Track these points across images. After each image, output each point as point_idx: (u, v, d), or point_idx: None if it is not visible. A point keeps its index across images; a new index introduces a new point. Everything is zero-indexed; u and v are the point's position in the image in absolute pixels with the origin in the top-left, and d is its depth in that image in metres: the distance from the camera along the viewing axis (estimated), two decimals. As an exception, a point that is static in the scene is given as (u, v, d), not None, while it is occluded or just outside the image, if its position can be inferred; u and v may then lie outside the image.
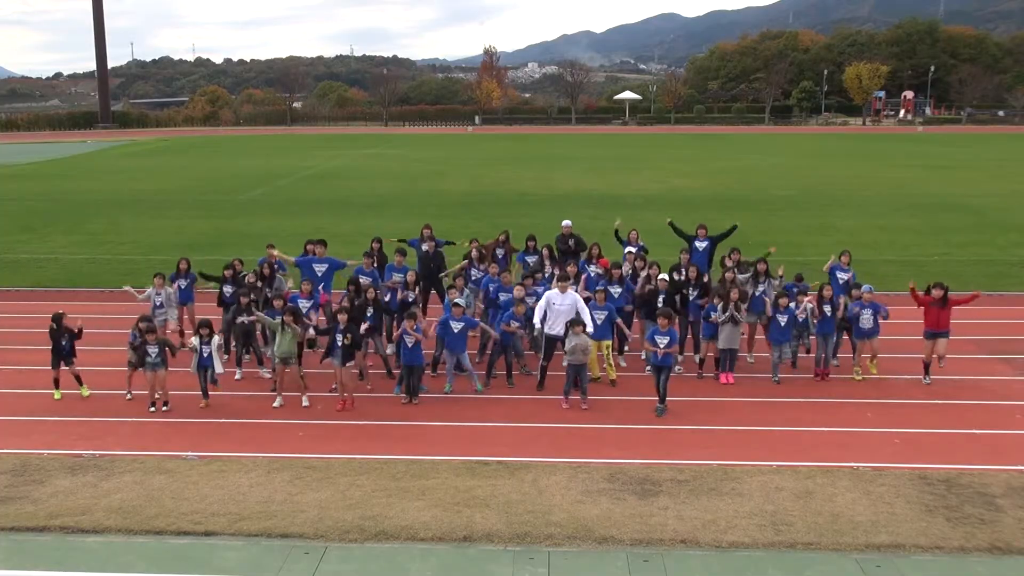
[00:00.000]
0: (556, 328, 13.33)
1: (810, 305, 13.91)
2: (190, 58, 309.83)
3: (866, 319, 13.73)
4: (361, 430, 12.15)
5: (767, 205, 35.37)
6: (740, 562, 8.69)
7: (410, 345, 12.91)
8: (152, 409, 12.73)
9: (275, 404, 12.99)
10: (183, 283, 15.73)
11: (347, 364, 12.84)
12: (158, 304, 14.98)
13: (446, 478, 10.35)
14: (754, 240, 26.83)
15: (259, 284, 15.36)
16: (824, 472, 10.61)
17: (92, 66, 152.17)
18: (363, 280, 14.92)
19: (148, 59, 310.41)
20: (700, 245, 17.25)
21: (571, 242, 17.17)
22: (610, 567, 8.58)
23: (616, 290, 14.55)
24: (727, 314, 13.69)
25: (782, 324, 13.80)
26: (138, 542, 9.17)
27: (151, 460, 11.05)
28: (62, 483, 10.40)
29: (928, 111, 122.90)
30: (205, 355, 12.93)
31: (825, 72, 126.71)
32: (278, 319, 13.12)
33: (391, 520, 9.42)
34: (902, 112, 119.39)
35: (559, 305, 13.37)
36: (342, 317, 12.84)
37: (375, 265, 15.78)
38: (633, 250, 16.64)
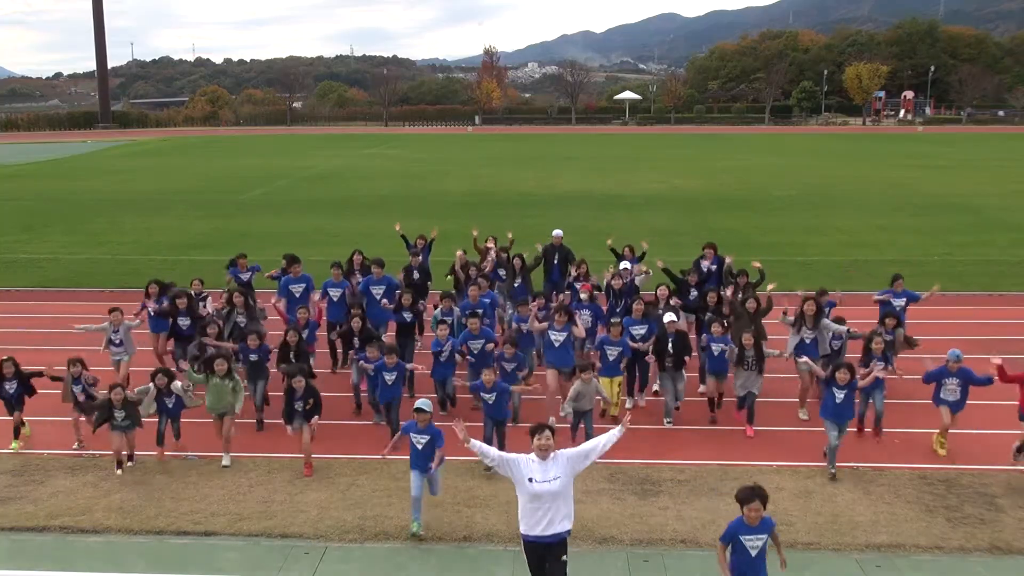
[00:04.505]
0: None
1: (880, 375, 11.40)
2: (190, 58, 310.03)
3: (951, 388, 11.26)
4: (361, 430, 12.15)
5: (767, 205, 35.38)
6: (740, 562, 8.68)
7: (389, 383, 11.54)
8: (119, 472, 10.69)
9: (224, 464, 10.98)
10: (153, 309, 13.83)
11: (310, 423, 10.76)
12: (116, 342, 12.94)
13: (446, 478, 10.33)
14: (755, 240, 26.88)
15: (226, 309, 13.52)
16: (824, 472, 10.61)
17: (92, 66, 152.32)
18: (332, 292, 14.17)
19: (148, 59, 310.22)
20: (709, 266, 15.07)
21: (556, 258, 15.95)
22: (610, 567, 8.59)
23: (640, 330, 12.60)
24: (745, 364, 11.81)
25: (838, 400, 10.58)
26: (138, 542, 9.18)
27: (151, 460, 11.05)
28: (62, 483, 10.40)
29: (928, 111, 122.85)
30: (171, 406, 11.11)
31: (825, 72, 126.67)
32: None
33: (391, 520, 9.42)
34: (902, 112, 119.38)
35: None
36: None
37: (345, 277, 14.63)
38: (629, 266, 15.14)
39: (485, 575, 8.51)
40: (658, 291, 13.47)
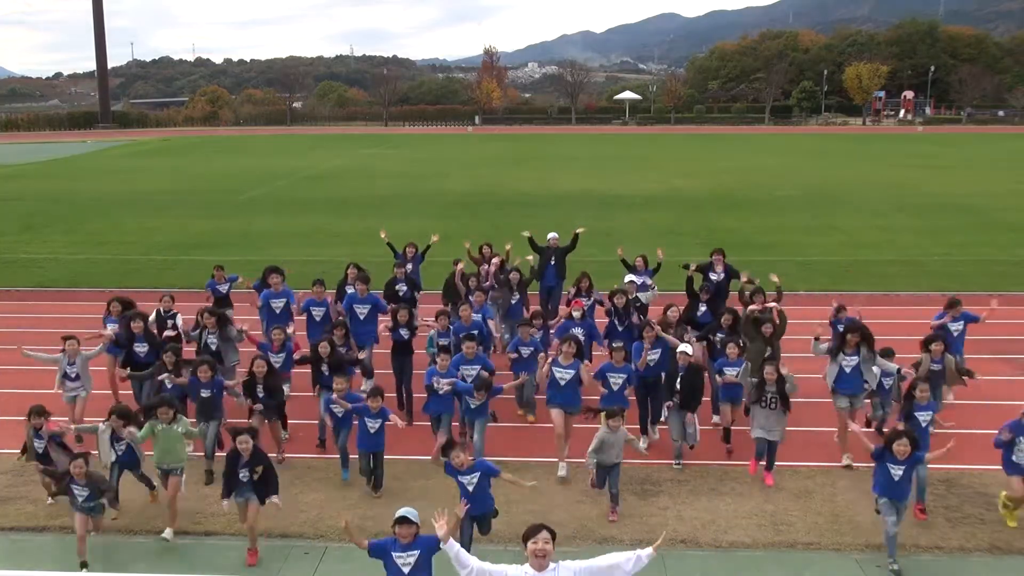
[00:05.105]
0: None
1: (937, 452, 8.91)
2: (190, 58, 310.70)
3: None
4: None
5: (767, 205, 35.36)
6: (740, 562, 8.69)
7: (372, 431, 9.91)
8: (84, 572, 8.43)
9: (164, 535, 9.18)
10: (114, 328, 12.33)
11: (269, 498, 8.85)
12: (71, 376, 11.32)
13: (446, 478, 10.30)
14: (755, 240, 26.87)
15: (196, 330, 12.15)
16: (824, 472, 10.62)
17: (92, 66, 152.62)
18: (315, 311, 13.07)
19: (148, 59, 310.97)
20: (717, 278, 13.72)
21: (552, 259, 15.39)
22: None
23: (653, 355, 11.31)
24: (764, 402, 10.16)
25: (895, 479, 8.51)
26: (138, 542, 9.17)
27: (150, 460, 11.01)
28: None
29: (928, 111, 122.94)
30: (121, 452, 9.45)
31: (825, 72, 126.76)
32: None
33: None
34: (902, 112, 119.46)
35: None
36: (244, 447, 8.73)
37: (337, 291, 13.73)
38: (636, 280, 13.83)
39: (485, 575, 8.50)
40: (669, 312, 12.07)
